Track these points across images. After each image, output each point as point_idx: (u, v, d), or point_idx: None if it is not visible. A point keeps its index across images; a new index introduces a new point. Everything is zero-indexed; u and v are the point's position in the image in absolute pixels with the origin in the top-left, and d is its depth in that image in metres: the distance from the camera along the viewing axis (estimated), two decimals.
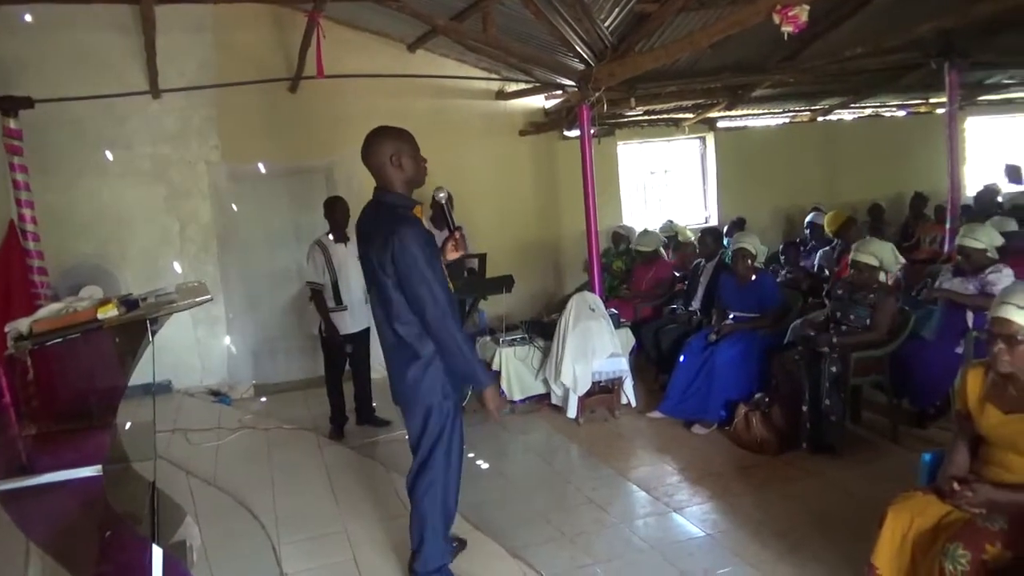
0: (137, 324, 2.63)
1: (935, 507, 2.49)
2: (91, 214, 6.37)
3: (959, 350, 4.43)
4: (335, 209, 5.21)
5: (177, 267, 6.56)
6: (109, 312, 2.56)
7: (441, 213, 3.11)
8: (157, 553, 2.50)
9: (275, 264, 6.98)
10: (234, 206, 6.67)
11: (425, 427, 2.90)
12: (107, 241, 6.42)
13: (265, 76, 6.31)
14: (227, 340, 6.72)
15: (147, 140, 6.50)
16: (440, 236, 3.13)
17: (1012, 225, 5.99)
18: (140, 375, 3.25)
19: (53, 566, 2.66)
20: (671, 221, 7.99)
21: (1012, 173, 9.92)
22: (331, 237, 5.21)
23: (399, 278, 2.70)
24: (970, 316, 4.50)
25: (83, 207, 6.34)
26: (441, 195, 3.08)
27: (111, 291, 5.22)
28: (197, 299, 2.73)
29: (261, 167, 6.65)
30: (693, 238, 7.10)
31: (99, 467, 2.57)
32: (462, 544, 3.45)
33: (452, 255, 3.04)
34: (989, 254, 4.58)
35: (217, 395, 6.52)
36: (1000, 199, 8.58)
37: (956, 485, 2.44)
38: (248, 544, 3.64)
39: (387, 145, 2.79)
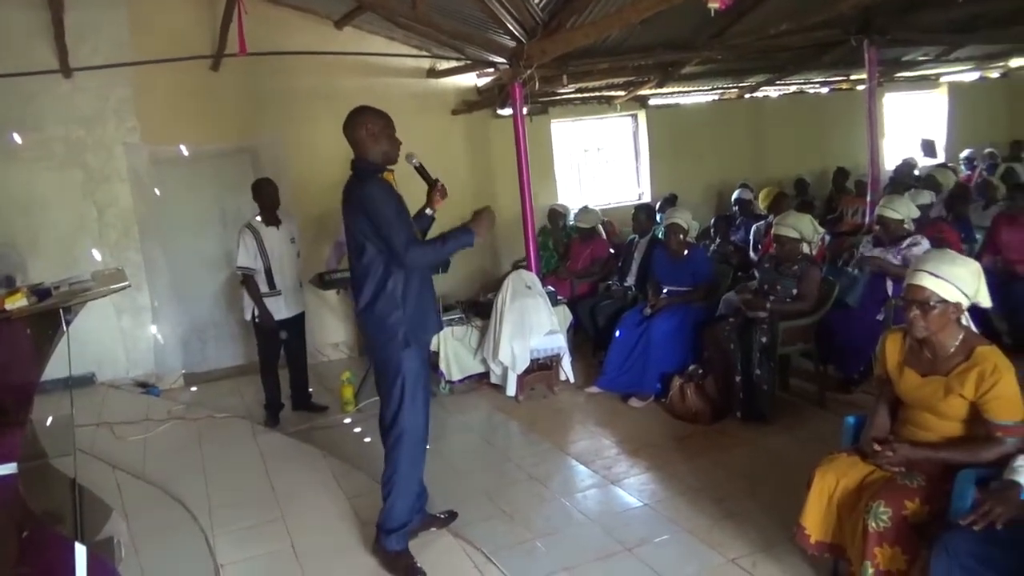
0: (50, 314, 2.50)
1: (859, 468, 2.60)
2: (0, 200, 6.02)
3: (880, 317, 4.61)
4: (263, 191, 5.07)
5: (96, 255, 6.25)
6: (18, 302, 2.42)
7: (418, 174, 3.35)
8: (80, 551, 2.40)
9: (202, 250, 6.75)
10: (156, 190, 6.40)
11: (395, 375, 3.08)
12: (19, 229, 6.06)
13: (185, 54, 6.04)
14: (153, 329, 6.47)
15: (59, 121, 6.14)
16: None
17: (927, 198, 6.25)
18: (60, 368, 3.11)
19: None
20: (586, 207, 7.87)
21: (927, 147, 10.37)
22: (260, 220, 5.07)
23: (374, 228, 2.97)
24: (890, 285, 4.68)
25: None
26: (414, 160, 3.30)
27: (23, 280, 4.97)
28: (114, 286, 2.61)
29: (183, 149, 6.38)
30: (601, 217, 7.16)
31: (14, 465, 2.44)
32: (452, 515, 3.53)
33: (439, 204, 3.34)
34: (906, 225, 4.77)
35: (145, 386, 6.28)
36: (917, 172, 8.94)
37: (877, 446, 2.55)
38: (180, 537, 3.53)
39: (366, 119, 3.07)
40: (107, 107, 6.26)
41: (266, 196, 5.05)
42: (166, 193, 6.45)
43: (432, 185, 3.31)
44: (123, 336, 6.46)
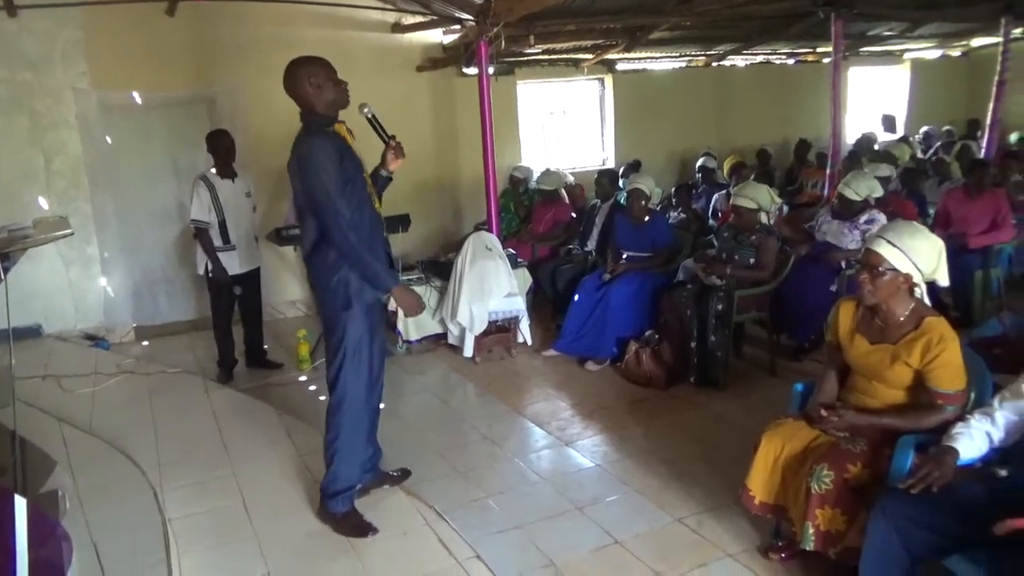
0: None
1: (804, 432, 2.66)
2: None
3: (834, 288, 4.70)
4: (219, 143, 4.92)
5: (43, 203, 6.03)
6: None
7: (371, 128, 3.14)
8: (20, 503, 2.34)
9: (154, 201, 6.55)
10: (107, 138, 6.17)
11: (338, 338, 2.98)
12: None
13: None
14: (103, 282, 6.30)
15: (4, 64, 5.86)
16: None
17: (886, 171, 6.33)
18: (4, 320, 3.00)
19: None
20: (548, 169, 7.82)
21: (887, 123, 10.51)
22: (215, 172, 4.93)
23: (304, 188, 2.82)
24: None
25: None
26: (366, 110, 3.10)
27: None
28: (56, 233, 2.51)
29: (136, 96, 6.15)
30: (564, 180, 7.11)
31: None
32: (405, 473, 3.51)
33: (394, 164, 3.15)
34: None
35: (94, 339, 6.13)
36: (876, 147, 9.05)
37: (823, 411, 2.60)
38: (127, 491, 3.47)
39: (305, 70, 2.86)
40: (55, 50, 5.99)
41: (221, 147, 4.91)
42: (117, 142, 6.24)
43: (386, 143, 3.11)
44: (71, 288, 6.29)
